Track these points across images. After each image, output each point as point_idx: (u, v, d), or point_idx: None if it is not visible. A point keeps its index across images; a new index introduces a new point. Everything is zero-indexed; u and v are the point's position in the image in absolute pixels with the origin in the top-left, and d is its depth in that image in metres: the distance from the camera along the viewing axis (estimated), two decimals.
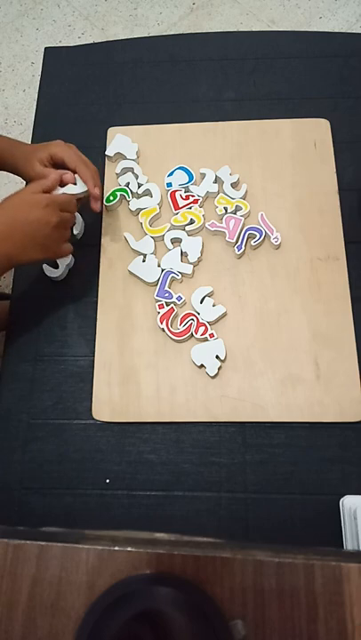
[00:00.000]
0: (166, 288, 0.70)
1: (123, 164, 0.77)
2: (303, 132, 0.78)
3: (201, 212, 0.73)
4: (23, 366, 0.69)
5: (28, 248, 0.61)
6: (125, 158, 0.78)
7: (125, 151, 0.78)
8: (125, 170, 0.77)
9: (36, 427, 0.66)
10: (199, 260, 0.72)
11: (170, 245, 0.72)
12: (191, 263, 0.71)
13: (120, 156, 0.78)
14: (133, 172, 0.77)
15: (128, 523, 0.61)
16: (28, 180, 0.69)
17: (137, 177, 0.76)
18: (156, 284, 0.70)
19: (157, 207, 0.74)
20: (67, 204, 0.63)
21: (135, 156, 0.78)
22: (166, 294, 0.69)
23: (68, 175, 0.65)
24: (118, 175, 0.77)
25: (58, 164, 0.67)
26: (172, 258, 0.71)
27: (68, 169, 0.66)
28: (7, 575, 0.41)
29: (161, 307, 0.69)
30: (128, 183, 0.76)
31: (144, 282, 0.71)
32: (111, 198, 0.75)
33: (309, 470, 0.62)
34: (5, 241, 0.59)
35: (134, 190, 0.75)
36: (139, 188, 0.76)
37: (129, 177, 0.76)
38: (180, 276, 0.70)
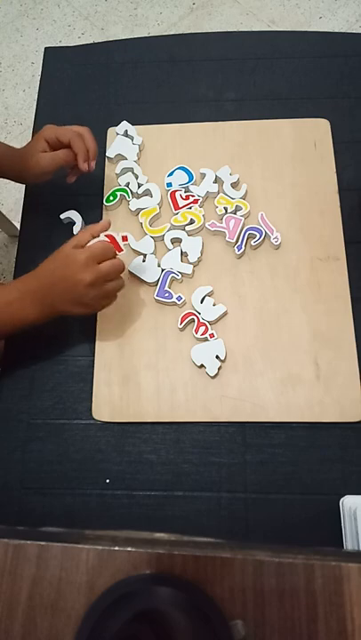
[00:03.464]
0: (166, 288, 0.70)
1: (123, 164, 0.77)
2: (303, 131, 0.78)
3: (201, 211, 0.73)
4: (23, 366, 0.69)
5: (67, 303, 0.62)
6: (126, 159, 0.78)
7: (126, 152, 0.78)
8: (125, 170, 0.77)
9: (36, 427, 0.66)
10: (199, 259, 0.72)
11: (170, 245, 0.72)
12: (191, 263, 0.71)
13: (120, 157, 0.78)
14: (133, 172, 0.77)
15: (128, 523, 0.61)
16: (35, 176, 0.70)
17: (137, 177, 0.76)
18: (156, 284, 0.70)
19: (157, 207, 0.74)
20: (104, 254, 0.62)
21: (136, 157, 0.78)
22: (166, 294, 0.69)
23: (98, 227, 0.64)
24: (118, 175, 0.77)
25: (57, 146, 0.69)
26: (172, 258, 0.71)
27: (64, 146, 0.68)
28: (7, 575, 0.41)
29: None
30: (128, 183, 0.76)
31: (144, 282, 0.71)
32: (111, 198, 0.75)
33: (309, 470, 0.62)
34: (49, 294, 0.62)
35: (134, 190, 0.75)
36: (139, 188, 0.76)
37: (129, 177, 0.76)
38: (180, 276, 0.70)
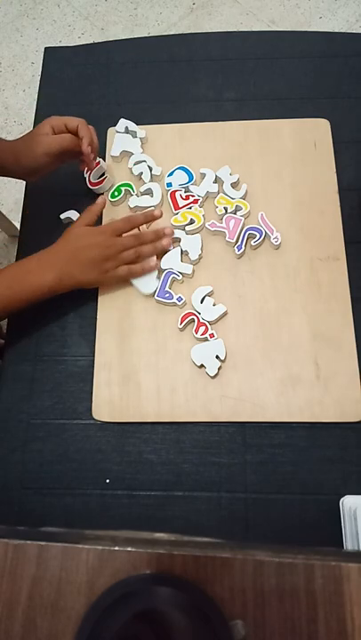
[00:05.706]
0: (167, 289, 0.70)
1: (135, 157, 0.77)
2: (303, 132, 0.78)
3: (201, 211, 0.73)
4: (23, 366, 0.69)
5: (86, 270, 0.67)
6: (133, 154, 0.78)
7: (130, 148, 0.78)
8: (138, 162, 0.77)
9: (36, 427, 0.66)
10: (200, 257, 0.71)
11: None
12: (192, 262, 0.71)
13: (126, 153, 0.78)
14: (148, 165, 0.76)
15: (128, 523, 0.61)
16: (35, 159, 0.70)
17: (151, 169, 0.76)
18: (153, 294, 0.70)
19: (157, 207, 0.74)
20: (122, 227, 0.68)
21: (141, 150, 0.78)
22: (167, 294, 0.69)
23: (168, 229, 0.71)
24: (131, 169, 0.77)
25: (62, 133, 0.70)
26: (173, 258, 0.71)
27: (70, 131, 0.69)
28: (7, 575, 0.41)
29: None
30: (141, 173, 0.76)
31: (140, 292, 0.70)
32: (116, 194, 0.75)
33: (309, 470, 0.62)
34: (67, 264, 0.66)
35: (146, 181, 0.75)
36: (152, 179, 0.76)
37: (142, 167, 0.76)
38: (180, 276, 0.70)
